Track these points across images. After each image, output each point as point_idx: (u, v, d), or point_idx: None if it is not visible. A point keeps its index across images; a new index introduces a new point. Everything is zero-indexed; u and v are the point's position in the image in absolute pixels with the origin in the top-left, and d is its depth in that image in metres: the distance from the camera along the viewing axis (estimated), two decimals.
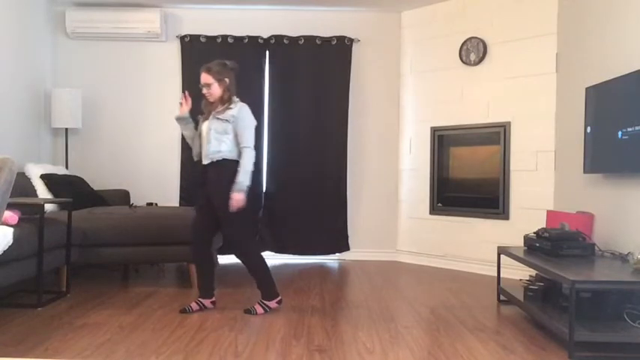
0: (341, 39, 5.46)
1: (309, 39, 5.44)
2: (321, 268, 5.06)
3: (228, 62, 3.40)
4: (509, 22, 4.73)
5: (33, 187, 4.37)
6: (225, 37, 5.41)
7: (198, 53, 5.33)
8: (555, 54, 4.44)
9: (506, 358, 2.60)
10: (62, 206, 4.40)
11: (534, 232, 3.63)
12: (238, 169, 3.26)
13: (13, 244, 3.06)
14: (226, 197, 3.23)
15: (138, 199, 5.43)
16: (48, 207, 4.23)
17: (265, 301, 3.38)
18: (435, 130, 5.26)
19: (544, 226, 4.31)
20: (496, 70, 4.82)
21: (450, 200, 5.17)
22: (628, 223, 3.35)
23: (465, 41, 5.01)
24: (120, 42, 5.49)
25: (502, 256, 3.77)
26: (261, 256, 3.40)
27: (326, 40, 5.45)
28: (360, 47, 5.56)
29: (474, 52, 4.95)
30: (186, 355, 2.58)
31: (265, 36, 5.44)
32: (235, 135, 3.30)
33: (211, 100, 3.36)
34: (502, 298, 3.76)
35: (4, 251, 2.95)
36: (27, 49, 4.94)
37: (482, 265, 4.88)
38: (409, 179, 5.49)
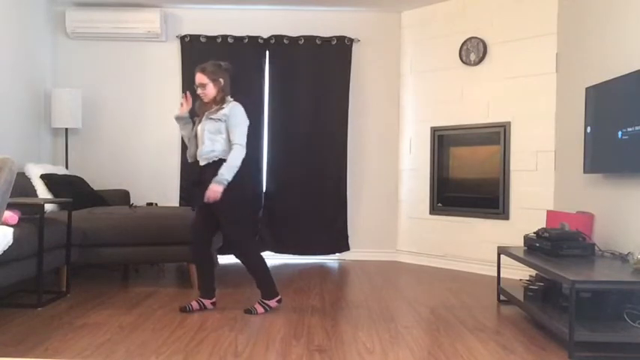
0: (341, 39, 5.46)
1: (309, 39, 5.44)
2: (321, 268, 5.06)
3: (222, 63, 3.41)
4: (509, 22, 4.73)
5: (33, 187, 4.37)
6: (225, 37, 5.41)
7: (198, 53, 5.32)
8: (555, 54, 4.44)
9: (506, 358, 2.60)
10: (62, 206, 4.40)
11: (534, 232, 3.63)
12: (224, 163, 3.24)
13: (13, 244, 3.06)
14: (224, 197, 3.23)
15: (138, 199, 5.43)
16: (48, 207, 4.24)
17: (265, 301, 3.38)
18: (435, 130, 5.26)
19: (544, 226, 4.31)
20: (496, 70, 4.82)
21: (450, 200, 5.17)
22: (628, 223, 3.35)
23: (465, 41, 5.01)
24: (120, 42, 5.49)
25: (502, 256, 3.77)
26: (261, 256, 3.40)
27: (326, 40, 5.45)
28: (360, 47, 5.56)
29: (473, 52, 4.95)
30: (186, 355, 2.58)
31: (265, 36, 5.44)
32: (228, 134, 3.30)
33: (206, 100, 3.37)
34: (502, 298, 3.76)
35: (4, 251, 2.95)
36: (27, 49, 4.94)
37: (482, 265, 4.88)
38: (409, 179, 5.49)
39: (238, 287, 4.11)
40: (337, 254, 5.50)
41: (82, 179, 4.89)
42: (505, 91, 4.75)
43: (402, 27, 5.56)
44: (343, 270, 5.00)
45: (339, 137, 5.45)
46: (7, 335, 2.84)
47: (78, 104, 5.14)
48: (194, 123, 3.51)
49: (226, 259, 5.21)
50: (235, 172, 3.25)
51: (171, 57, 5.51)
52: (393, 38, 5.57)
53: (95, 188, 5.24)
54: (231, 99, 3.41)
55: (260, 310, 3.36)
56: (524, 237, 3.72)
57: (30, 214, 3.65)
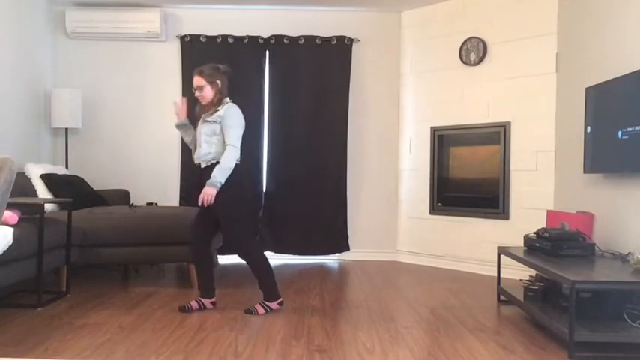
0: (341, 39, 5.46)
1: (309, 39, 5.44)
2: (321, 268, 5.06)
3: (221, 66, 3.40)
4: (509, 22, 4.73)
5: (33, 187, 4.37)
6: (225, 37, 5.41)
7: (198, 53, 5.33)
8: (555, 54, 4.44)
9: (506, 358, 2.60)
10: (62, 206, 4.40)
11: (534, 232, 3.63)
12: (217, 165, 3.23)
13: (13, 244, 3.06)
14: (223, 199, 3.23)
15: (138, 199, 5.43)
16: (48, 207, 4.24)
17: (267, 302, 3.38)
18: (435, 130, 5.26)
19: (544, 226, 4.31)
20: (496, 70, 4.82)
21: (450, 200, 5.17)
22: (628, 223, 3.35)
23: (465, 41, 5.01)
24: (120, 42, 5.49)
25: (502, 256, 3.77)
26: (264, 256, 3.40)
27: (326, 40, 5.45)
28: (360, 47, 5.56)
29: (473, 52, 4.95)
30: (186, 355, 2.58)
31: (265, 36, 5.44)
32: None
33: (204, 102, 3.37)
34: (502, 298, 3.76)
35: (4, 251, 2.95)
36: (27, 49, 4.94)
37: (482, 265, 4.88)
38: (409, 179, 5.49)
39: (238, 287, 4.11)
40: (337, 254, 5.50)
41: (82, 179, 4.89)
42: (505, 91, 4.75)
43: (402, 27, 5.56)
44: (343, 270, 5.00)
45: (339, 137, 5.45)
46: (7, 335, 2.84)
47: (78, 104, 5.14)
48: (195, 128, 3.51)
49: (226, 259, 5.20)
50: (228, 173, 3.24)
51: (171, 57, 5.51)
52: (393, 38, 5.57)
53: (95, 188, 5.24)
54: (229, 100, 3.41)
55: (261, 310, 3.36)
56: (524, 237, 3.72)
57: (30, 214, 3.65)
